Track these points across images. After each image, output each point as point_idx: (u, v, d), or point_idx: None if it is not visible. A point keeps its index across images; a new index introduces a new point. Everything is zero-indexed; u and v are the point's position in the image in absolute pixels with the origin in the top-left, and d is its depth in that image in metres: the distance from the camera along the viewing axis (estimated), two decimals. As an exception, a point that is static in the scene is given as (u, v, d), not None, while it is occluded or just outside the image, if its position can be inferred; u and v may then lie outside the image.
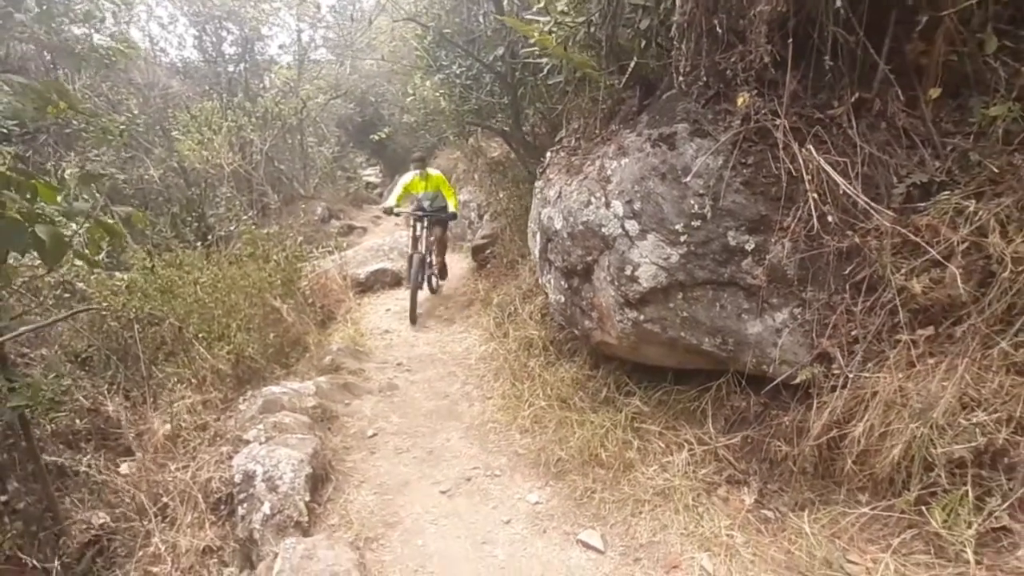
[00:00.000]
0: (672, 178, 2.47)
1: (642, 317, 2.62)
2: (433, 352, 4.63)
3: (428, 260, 5.68)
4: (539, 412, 3.21)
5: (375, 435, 3.33)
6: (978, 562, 1.78)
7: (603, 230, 2.63)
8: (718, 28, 2.37)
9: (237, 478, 2.53)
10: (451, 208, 5.70)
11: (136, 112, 6.50)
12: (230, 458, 2.74)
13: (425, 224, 5.60)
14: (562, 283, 3.08)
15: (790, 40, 2.24)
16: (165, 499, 2.53)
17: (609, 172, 2.66)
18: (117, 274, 4.73)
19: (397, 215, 5.90)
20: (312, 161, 10.84)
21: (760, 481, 2.43)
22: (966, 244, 2.02)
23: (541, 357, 3.78)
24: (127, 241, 5.19)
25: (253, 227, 5.72)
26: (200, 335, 4.12)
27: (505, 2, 4.58)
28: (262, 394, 3.38)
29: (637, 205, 2.53)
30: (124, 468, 3.22)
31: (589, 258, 2.78)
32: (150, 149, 7.11)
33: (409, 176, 5.75)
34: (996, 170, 2.10)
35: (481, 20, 5.04)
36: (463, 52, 5.01)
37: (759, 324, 2.45)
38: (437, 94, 5.83)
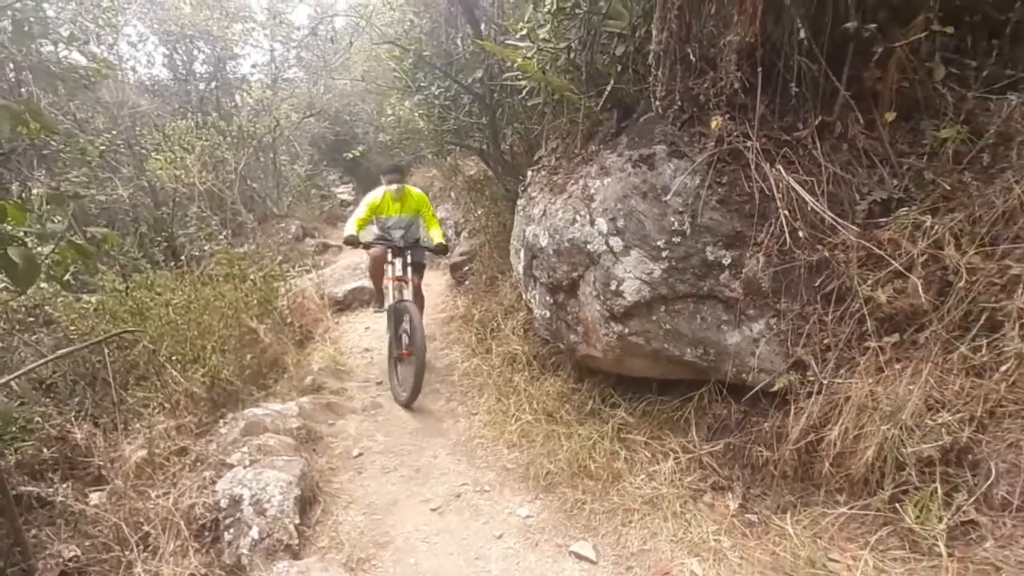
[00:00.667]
0: (653, 197, 2.58)
1: (627, 330, 2.70)
2: (415, 370, 4.61)
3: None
4: (526, 426, 3.25)
5: (361, 455, 3.30)
6: (950, 555, 1.89)
7: (588, 247, 2.72)
8: (691, 56, 2.52)
9: (223, 503, 2.47)
10: (437, 239, 4.31)
11: (113, 132, 6.34)
12: (213, 483, 2.67)
13: (409, 260, 4.15)
14: (547, 298, 3.15)
15: (758, 68, 2.40)
16: (146, 527, 2.45)
17: (592, 191, 2.76)
18: (84, 296, 4.59)
19: (367, 248, 4.26)
20: (285, 179, 10.73)
21: (743, 486, 2.52)
22: (925, 256, 2.18)
23: (525, 372, 3.82)
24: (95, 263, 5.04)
25: (228, 246, 5.62)
26: (173, 358, 4.02)
27: (483, 26, 4.71)
28: (244, 416, 3.32)
29: (620, 222, 2.63)
30: (95, 498, 3.09)
31: (575, 274, 2.86)
32: (118, 168, 6.93)
33: (379, 193, 4.33)
34: (948, 187, 2.28)
35: (459, 43, 5.17)
36: (442, 74, 5.11)
37: (738, 335, 2.57)
38: (415, 114, 5.90)
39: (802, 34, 2.30)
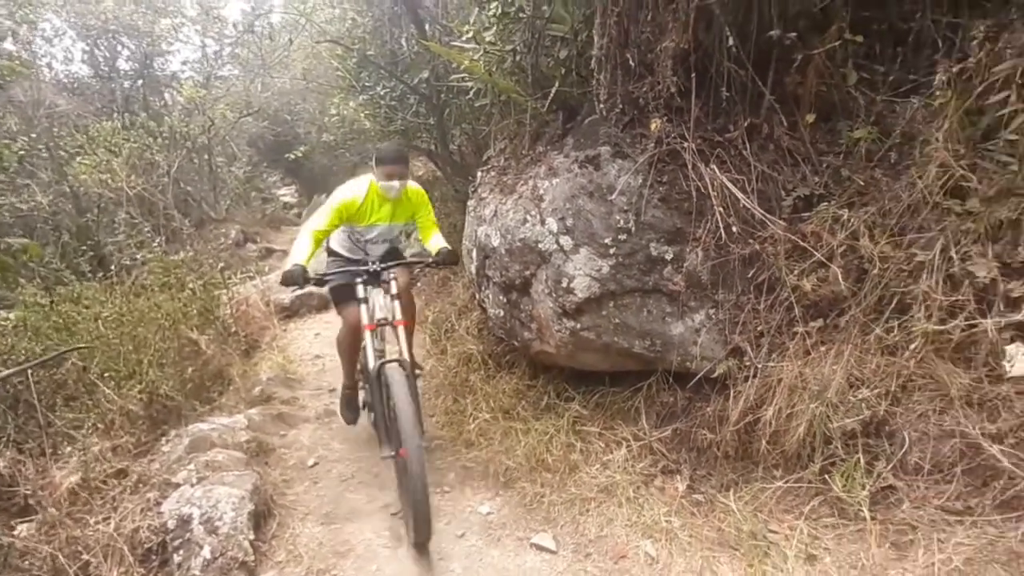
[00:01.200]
0: (599, 196, 2.68)
1: (579, 326, 2.79)
2: (369, 374, 4.55)
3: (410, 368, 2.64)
4: (483, 425, 3.28)
5: (316, 464, 3.24)
6: (873, 518, 2.07)
7: (540, 246, 2.79)
8: (631, 61, 2.64)
9: (170, 524, 2.37)
10: (440, 243, 3.01)
11: (32, 135, 5.83)
12: (158, 504, 2.55)
13: (393, 290, 2.73)
14: (501, 298, 3.20)
15: (692, 73, 2.54)
16: (86, 556, 2.31)
17: (542, 191, 2.83)
18: (0, 312, 4.24)
19: (320, 285, 2.82)
20: (222, 182, 10.25)
21: (690, 468, 2.67)
22: (843, 247, 2.38)
23: (481, 371, 3.85)
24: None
25: (163, 254, 5.33)
26: (106, 374, 3.79)
27: (427, 27, 4.69)
28: (188, 432, 3.18)
29: (569, 222, 2.72)
30: (23, 530, 2.88)
31: (527, 272, 2.92)
32: (35, 173, 6.41)
33: (360, 190, 2.84)
34: (862, 183, 2.50)
35: (404, 43, 5.12)
36: (387, 74, 5.05)
37: (681, 325, 2.71)
38: (361, 114, 5.80)
39: (730, 41, 2.45)
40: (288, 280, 2.61)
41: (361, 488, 2.96)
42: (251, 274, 6.24)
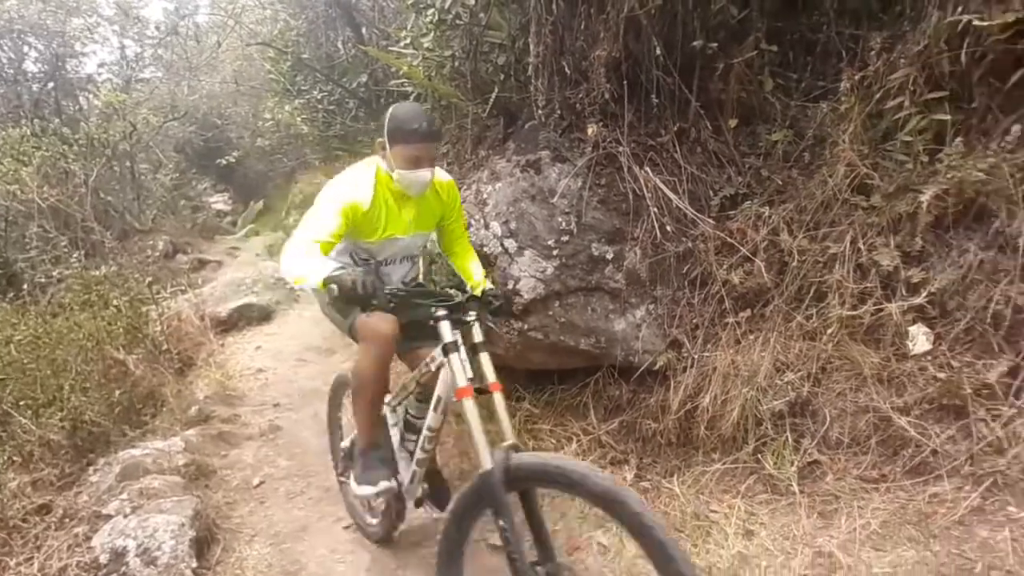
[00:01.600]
0: (541, 199, 2.75)
1: (526, 326, 2.85)
2: (316, 386, 4.40)
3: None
4: (436, 430, 3.27)
5: (262, 483, 3.12)
6: (801, 492, 2.24)
7: (485, 249, 2.83)
8: (566, 68, 2.72)
9: (103, 559, 2.22)
10: (481, 280, 2.20)
11: None
12: (88, 539, 2.39)
13: (477, 336, 1.81)
14: (448, 302, 3.20)
15: (624, 80, 2.65)
16: (6, 601, 2.14)
17: (485, 196, 2.87)
18: None
19: (404, 313, 1.85)
20: (147, 191, 9.64)
21: (637, 457, 2.77)
22: (766, 242, 2.56)
23: (432, 376, 3.83)
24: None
25: (82, 269, 4.96)
26: (21, 403, 3.50)
27: (364, 31, 4.63)
28: (118, 460, 2.99)
29: (513, 225, 2.77)
30: (-73, 581, 2.61)
31: (473, 276, 2.95)
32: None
33: (363, 186, 1.91)
34: (780, 183, 2.69)
35: (340, 47, 5.02)
36: (324, 78, 4.94)
37: (623, 321, 2.82)
38: (297, 119, 5.63)
39: (658, 51, 2.59)
40: (359, 293, 1.58)
41: (311, 505, 2.89)
42: (183, 287, 5.90)
